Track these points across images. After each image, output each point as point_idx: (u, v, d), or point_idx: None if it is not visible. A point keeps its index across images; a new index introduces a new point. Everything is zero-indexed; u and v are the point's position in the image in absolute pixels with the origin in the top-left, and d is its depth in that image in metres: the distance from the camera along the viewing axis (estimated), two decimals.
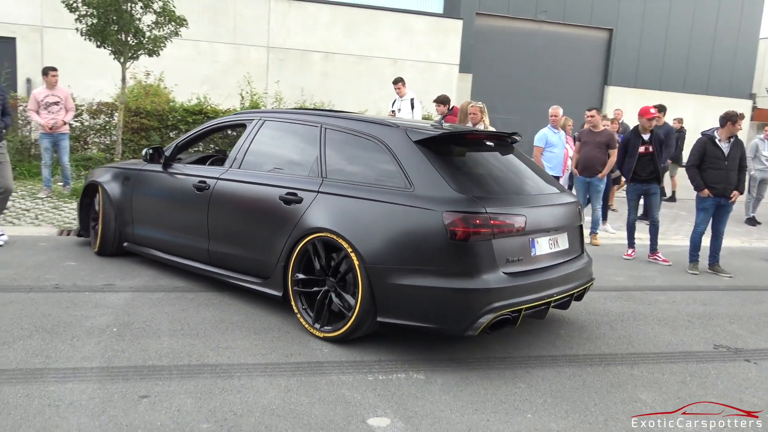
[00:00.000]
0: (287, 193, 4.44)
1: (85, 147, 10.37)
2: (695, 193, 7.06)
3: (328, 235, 4.11)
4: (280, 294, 4.45)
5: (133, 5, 8.87)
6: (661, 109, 10.01)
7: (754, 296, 6.18)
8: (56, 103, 8.46)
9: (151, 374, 3.49)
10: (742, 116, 6.92)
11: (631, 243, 7.73)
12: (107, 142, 10.20)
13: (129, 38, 8.92)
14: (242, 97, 11.68)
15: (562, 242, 4.38)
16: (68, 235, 6.80)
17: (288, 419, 3.11)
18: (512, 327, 3.97)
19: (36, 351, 3.69)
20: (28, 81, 14.38)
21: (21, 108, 10.03)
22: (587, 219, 9.40)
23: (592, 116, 8.48)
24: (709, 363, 4.28)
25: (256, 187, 4.69)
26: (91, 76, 12.23)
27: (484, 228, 3.73)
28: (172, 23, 9.24)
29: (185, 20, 9.32)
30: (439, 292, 3.74)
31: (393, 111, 9.86)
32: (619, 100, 22.00)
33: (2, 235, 6.13)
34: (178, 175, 5.33)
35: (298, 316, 4.31)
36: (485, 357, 4.09)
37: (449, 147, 4.26)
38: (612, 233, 9.14)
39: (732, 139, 6.85)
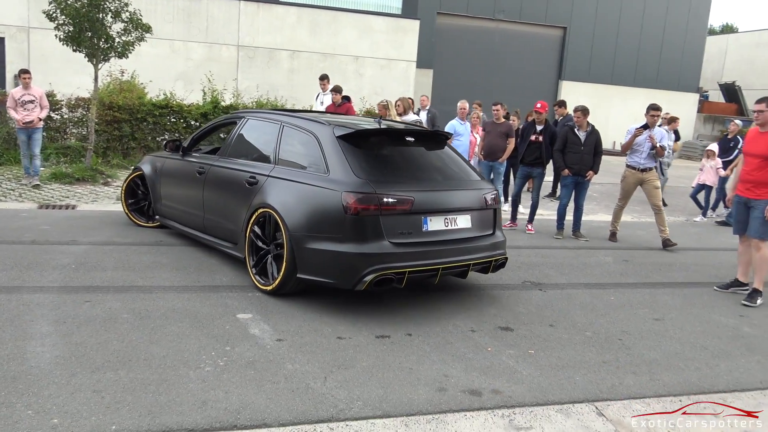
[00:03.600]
0: (250, 177, 5.56)
1: (65, 137, 11.87)
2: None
3: (269, 210, 5.20)
4: (243, 256, 5.51)
5: (104, 15, 10.35)
6: (561, 104, 11.64)
7: (591, 252, 7.77)
8: (31, 102, 9.65)
9: (95, 290, 5.05)
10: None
11: (513, 217, 9.24)
12: (84, 132, 11.69)
13: (101, 43, 10.40)
14: (204, 93, 13.17)
15: (463, 222, 5.18)
16: (47, 209, 8.32)
17: (182, 313, 4.67)
18: (399, 285, 4.82)
19: (15, 277, 5.25)
20: (16, 78, 15.89)
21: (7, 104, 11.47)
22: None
23: (496, 110, 10.01)
24: (509, 291, 5.86)
25: (233, 171, 5.86)
26: (74, 73, 13.71)
27: (372, 205, 4.67)
28: (139, 30, 10.75)
29: (150, 27, 10.82)
30: (337, 255, 4.73)
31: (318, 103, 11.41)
32: (573, 93, 23.54)
33: None
34: (189, 162, 6.58)
35: (249, 271, 5.41)
36: None
37: (366, 141, 5.19)
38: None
39: (589, 128, 8.43)
